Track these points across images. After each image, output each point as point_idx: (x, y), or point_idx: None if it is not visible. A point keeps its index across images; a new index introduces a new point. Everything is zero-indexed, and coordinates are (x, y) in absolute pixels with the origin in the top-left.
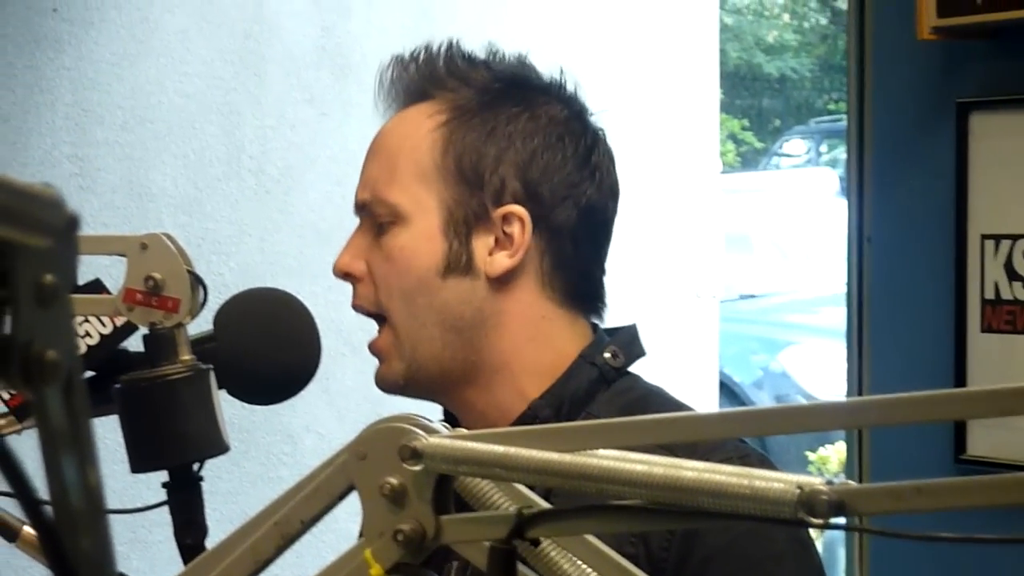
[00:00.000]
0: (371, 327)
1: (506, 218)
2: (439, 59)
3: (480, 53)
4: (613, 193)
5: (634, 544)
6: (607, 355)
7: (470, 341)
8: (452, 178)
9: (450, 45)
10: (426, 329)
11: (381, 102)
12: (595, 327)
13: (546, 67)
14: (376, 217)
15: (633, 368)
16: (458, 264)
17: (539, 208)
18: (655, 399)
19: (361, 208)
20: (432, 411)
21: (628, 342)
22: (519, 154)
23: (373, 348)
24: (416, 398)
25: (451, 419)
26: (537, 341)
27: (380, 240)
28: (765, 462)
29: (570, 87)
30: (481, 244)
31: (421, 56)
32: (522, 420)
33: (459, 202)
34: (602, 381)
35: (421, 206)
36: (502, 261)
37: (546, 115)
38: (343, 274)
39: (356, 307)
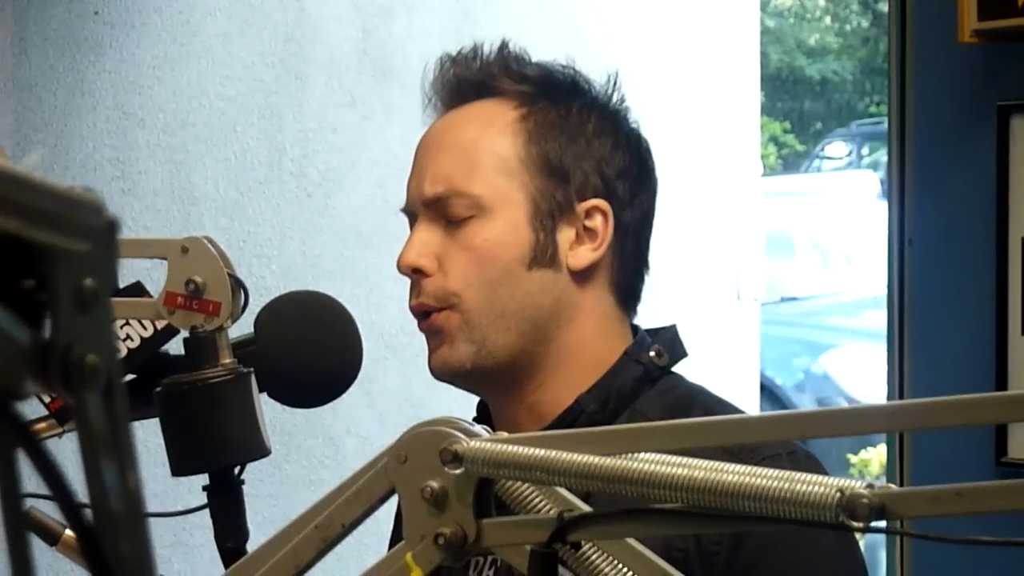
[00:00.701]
0: (413, 329)
1: (589, 212)
2: (492, 56)
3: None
4: (656, 194)
5: (684, 539)
6: (652, 354)
7: (543, 332)
8: (537, 170)
9: (502, 44)
10: (503, 319)
11: (432, 100)
12: (636, 327)
13: (590, 70)
14: (450, 212)
15: (676, 368)
16: (544, 256)
17: (616, 205)
18: (699, 398)
19: (430, 203)
20: (471, 411)
21: (670, 342)
22: (598, 150)
23: (433, 327)
24: (470, 388)
25: (485, 419)
26: (598, 337)
27: (456, 234)
28: (812, 459)
29: (619, 90)
30: (564, 237)
31: (473, 54)
32: (569, 412)
33: (545, 194)
34: (647, 379)
35: (505, 198)
36: (586, 255)
37: (610, 115)
38: (411, 270)
39: (418, 306)
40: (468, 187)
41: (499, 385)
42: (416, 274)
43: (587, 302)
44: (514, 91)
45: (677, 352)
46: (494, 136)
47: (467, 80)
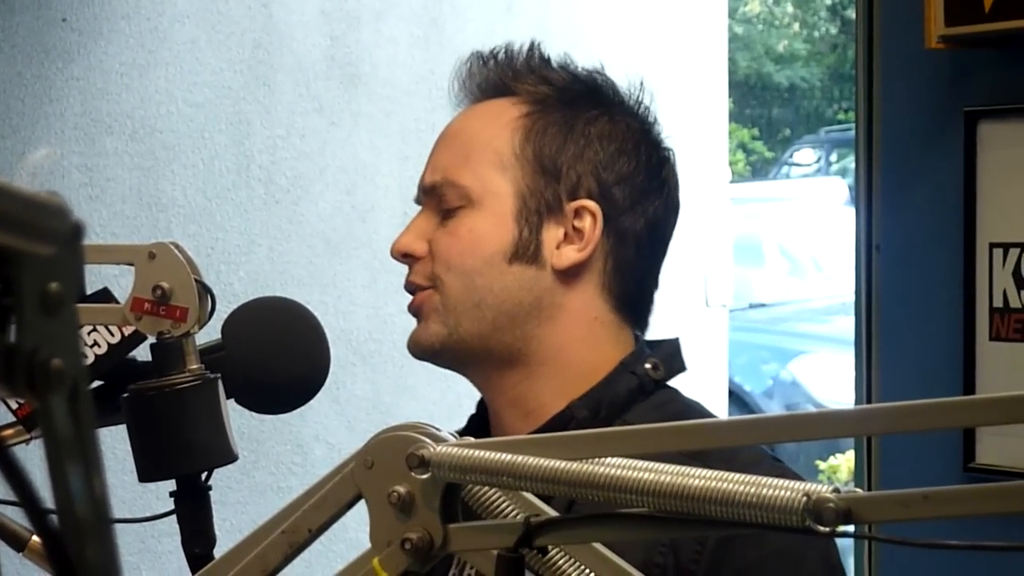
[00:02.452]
0: (381, 336)
1: (578, 212)
2: (519, 57)
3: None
4: (676, 211)
5: (663, 554)
6: (647, 366)
7: (521, 328)
8: (529, 167)
9: (532, 45)
10: (479, 308)
11: (456, 96)
12: (637, 338)
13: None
14: (444, 201)
15: (673, 383)
16: (526, 251)
17: (611, 209)
18: (692, 414)
19: (427, 192)
20: (447, 416)
21: (669, 356)
22: (597, 154)
23: (413, 305)
24: (445, 366)
25: (482, 418)
26: (586, 341)
27: (446, 223)
28: (783, 468)
29: (647, 101)
30: (550, 235)
31: (501, 53)
32: (559, 418)
33: (533, 191)
34: (641, 391)
35: (493, 191)
36: (570, 254)
37: (624, 122)
38: (402, 254)
39: (409, 283)
40: (459, 178)
41: (474, 369)
42: (406, 258)
43: (573, 304)
44: (530, 92)
45: (675, 366)
46: (494, 131)
47: (489, 80)
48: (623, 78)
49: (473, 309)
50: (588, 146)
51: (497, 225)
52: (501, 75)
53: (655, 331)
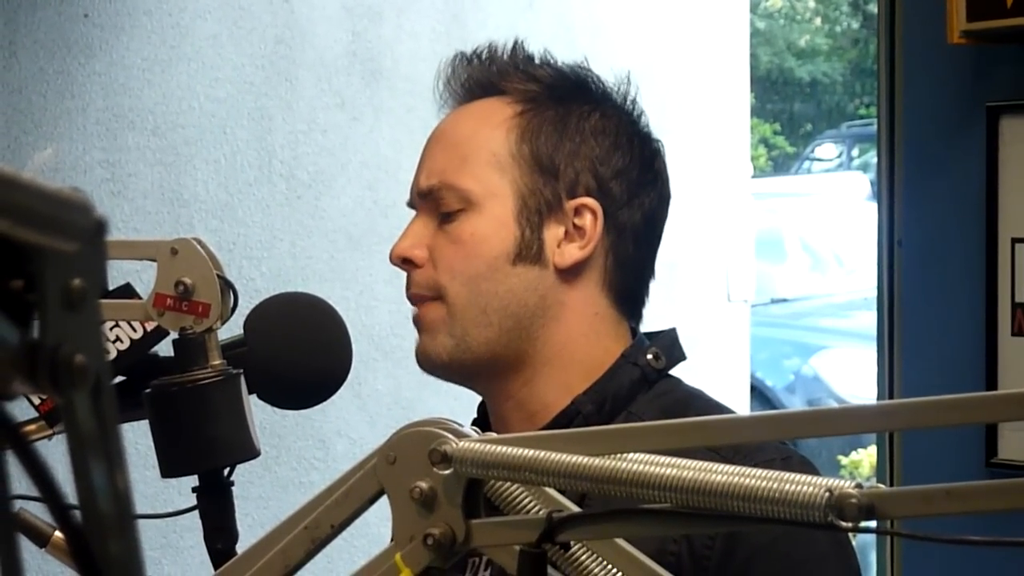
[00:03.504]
0: (403, 331)
1: (578, 210)
2: (504, 56)
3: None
4: (668, 202)
5: (677, 542)
6: (649, 356)
7: (527, 330)
8: (527, 166)
9: (515, 44)
10: (485, 314)
11: (444, 98)
12: (634, 330)
13: (602, 71)
14: (442, 204)
15: (673, 372)
16: (529, 252)
17: (609, 204)
18: (696, 402)
19: (424, 196)
20: (468, 412)
21: (669, 345)
22: (593, 150)
23: (419, 319)
24: (453, 380)
25: (484, 420)
26: (589, 337)
27: (446, 227)
28: (807, 464)
29: (632, 93)
30: (552, 234)
31: (485, 53)
32: (565, 414)
33: (533, 190)
34: (644, 382)
35: (493, 193)
36: (572, 252)
37: (616, 117)
38: (401, 260)
39: (412, 296)
40: (458, 181)
41: (481, 379)
42: (406, 264)
43: (576, 301)
44: (520, 90)
45: (675, 355)
46: (489, 132)
47: (476, 79)
48: (609, 72)
49: (480, 315)
50: (584, 142)
51: (499, 227)
52: (487, 74)
53: (678, 326)
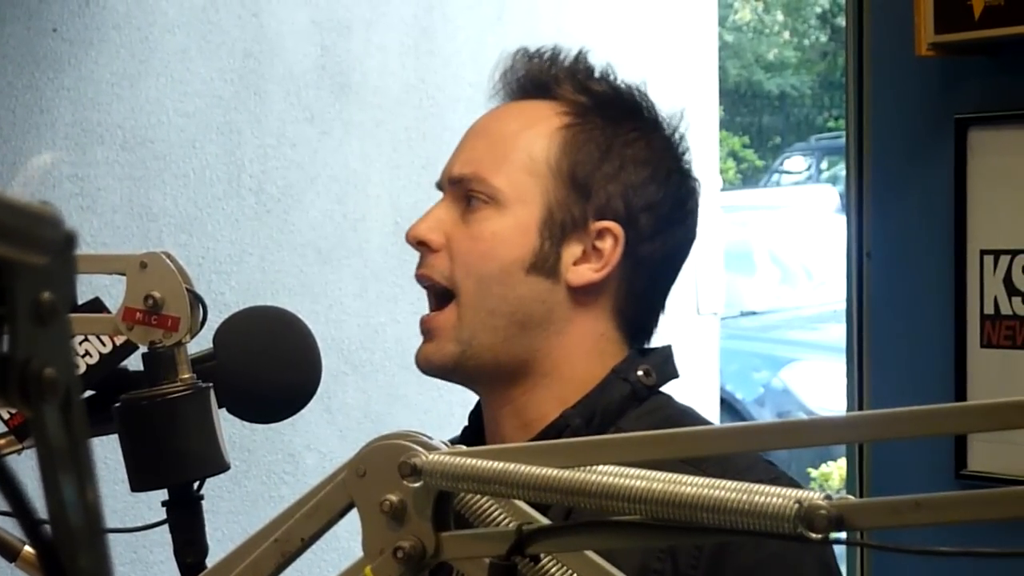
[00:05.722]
0: (372, 344)
1: (601, 233)
2: (565, 62)
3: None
4: (692, 242)
5: (661, 560)
6: (640, 373)
7: (530, 340)
8: (562, 180)
9: (579, 53)
10: (492, 317)
11: (493, 87)
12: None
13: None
14: (471, 194)
15: (665, 389)
16: (544, 264)
17: (634, 235)
18: (686, 419)
19: (454, 182)
20: (438, 425)
21: (661, 362)
22: (630, 177)
23: (427, 324)
24: (455, 382)
25: (476, 426)
26: (591, 355)
27: (468, 217)
28: (795, 485)
29: (683, 128)
30: (570, 251)
31: (548, 54)
32: (554, 427)
33: (562, 205)
34: (634, 398)
35: (523, 198)
36: (587, 273)
37: (660, 148)
38: (417, 241)
39: (423, 276)
40: (491, 177)
41: (483, 383)
42: (421, 247)
43: (583, 320)
44: (571, 100)
45: (667, 372)
46: (532, 136)
47: (531, 77)
48: (665, 102)
49: (488, 317)
50: (623, 168)
51: (521, 233)
52: (544, 75)
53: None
